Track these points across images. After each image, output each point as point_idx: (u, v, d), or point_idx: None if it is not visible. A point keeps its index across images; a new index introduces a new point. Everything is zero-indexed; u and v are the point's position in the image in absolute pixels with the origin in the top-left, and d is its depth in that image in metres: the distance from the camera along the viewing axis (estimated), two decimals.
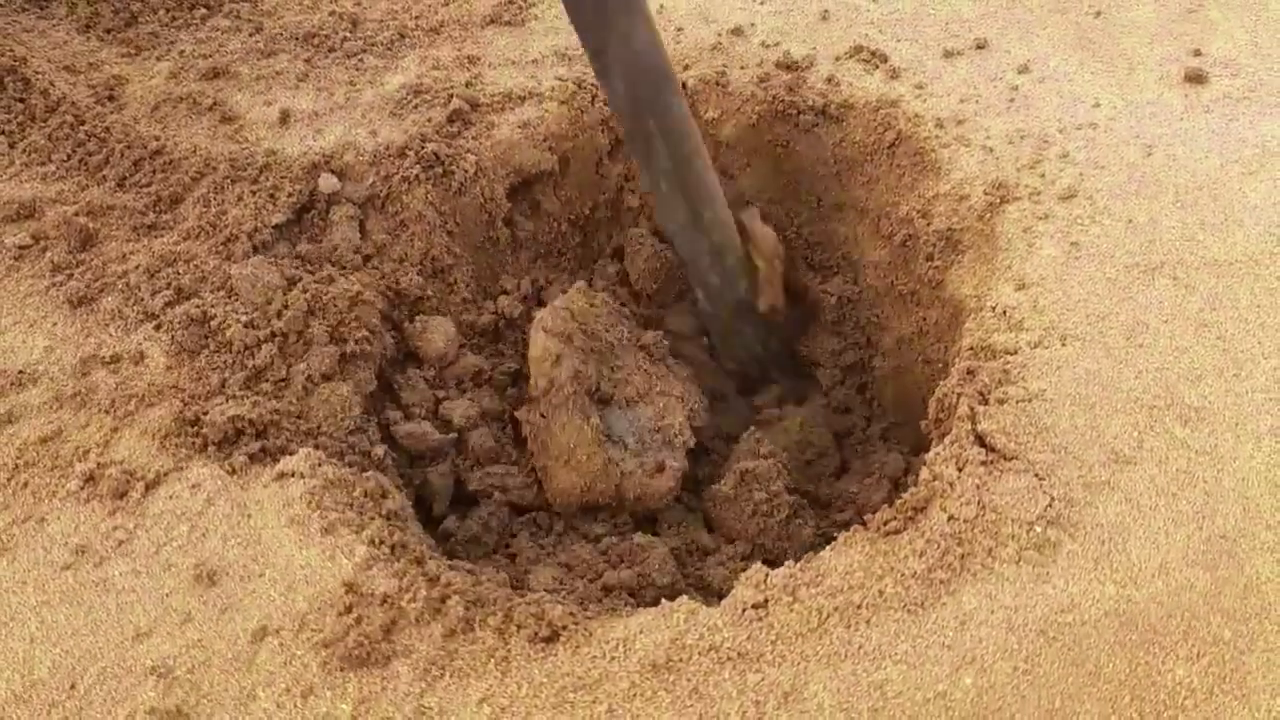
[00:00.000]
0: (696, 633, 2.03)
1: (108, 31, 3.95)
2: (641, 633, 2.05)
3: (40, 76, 3.58)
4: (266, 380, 2.71)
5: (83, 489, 2.38)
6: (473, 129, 3.46)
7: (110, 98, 3.56)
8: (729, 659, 1.98)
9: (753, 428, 3.17)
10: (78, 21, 3.99)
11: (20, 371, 2.66)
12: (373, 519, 2.33)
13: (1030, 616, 2.00)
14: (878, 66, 3.63)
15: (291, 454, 2.48)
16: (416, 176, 3.25)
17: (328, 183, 3.17)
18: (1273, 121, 3.22)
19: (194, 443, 2.48)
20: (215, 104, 3.52)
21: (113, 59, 3.79)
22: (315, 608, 2.12)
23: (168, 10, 4.04)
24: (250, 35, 3.89)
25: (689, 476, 3.08)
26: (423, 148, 3.30)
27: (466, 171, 3.30)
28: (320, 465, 2.43)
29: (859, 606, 2.04)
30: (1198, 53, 3.57)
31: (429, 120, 3.43)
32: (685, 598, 2.13)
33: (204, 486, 2.39)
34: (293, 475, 2.40)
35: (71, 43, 3.88)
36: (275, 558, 2.23)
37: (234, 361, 2.71)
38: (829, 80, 3.59)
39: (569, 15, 2.76)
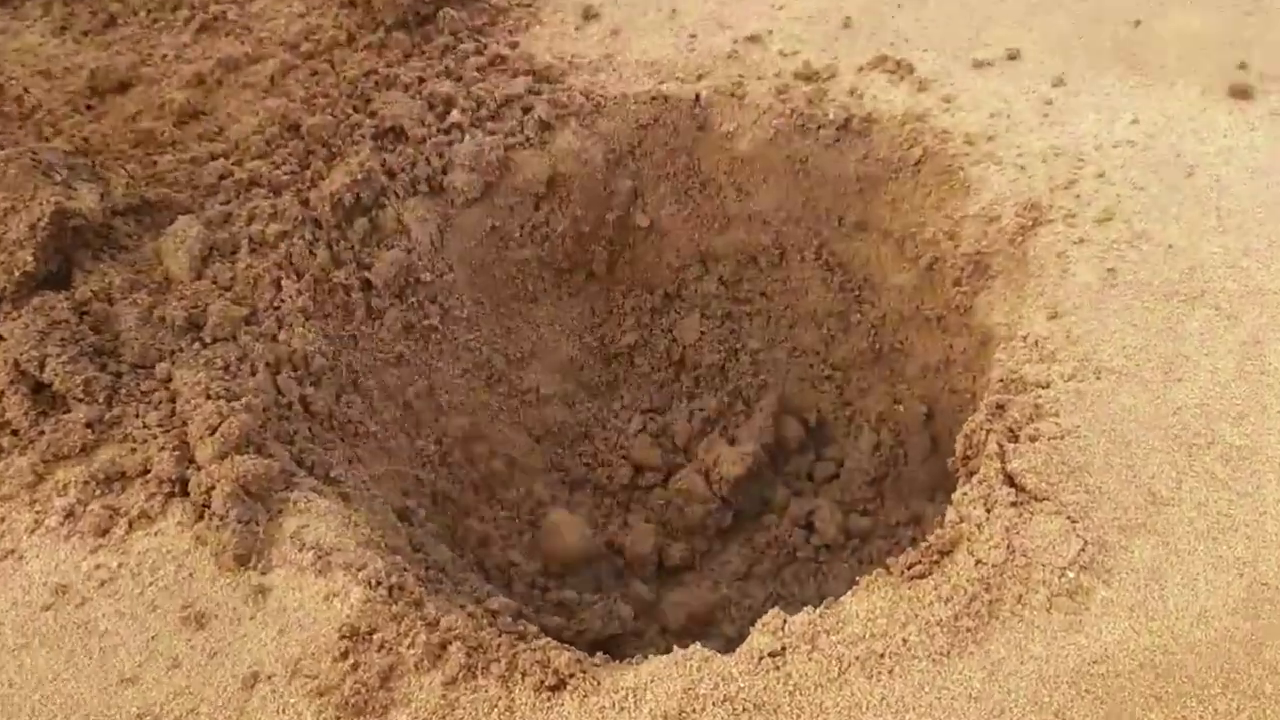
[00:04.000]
0: (710, 682, 2.08)
1: (84, 34, 4.04)
2: (653, 681, 2.10)
3: (14, 83, 3.67)
4: None
5: (63, 525, 2.43)
6: None
7: (89, 106, 3.64)
8: (744, 710, 2.03)
9: None
10: (53, 23, 4.09)
11: None
12: (370, 559, 2.37)
13: (1062, 667, 2.05)
14: (903, 78, 3.69)
15: (287, 489, 2.53)
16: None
17: None
18: None
19: None
20: (199, 110, 3.60)
21: (90, 63, 3.87)
22: (310, 653, 2.18)
23: (149, 12, 4.12)
24: (237, 39, 3.97)
25: None
26: None
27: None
28: (315, 501, 2.48)
29: (881, 655, 2.09)
30: (1243, 65, 3.63)
31: None
32: (699, 645, 2.19)
33: (190, 523, 2.43)
34: (285, 511, 2.45)
35: (46, 46, 3.97)
36: (267, 599, 2.28)
37: None
38: (851, 92, 3.65)
39: None
